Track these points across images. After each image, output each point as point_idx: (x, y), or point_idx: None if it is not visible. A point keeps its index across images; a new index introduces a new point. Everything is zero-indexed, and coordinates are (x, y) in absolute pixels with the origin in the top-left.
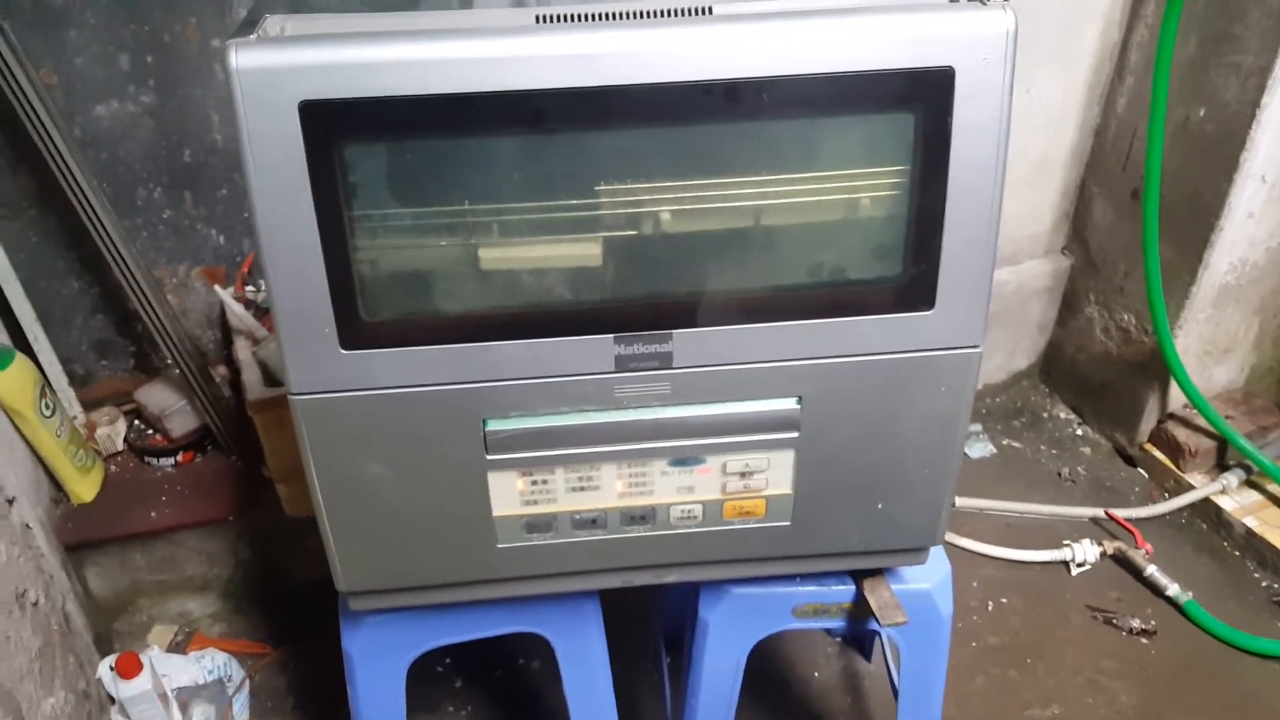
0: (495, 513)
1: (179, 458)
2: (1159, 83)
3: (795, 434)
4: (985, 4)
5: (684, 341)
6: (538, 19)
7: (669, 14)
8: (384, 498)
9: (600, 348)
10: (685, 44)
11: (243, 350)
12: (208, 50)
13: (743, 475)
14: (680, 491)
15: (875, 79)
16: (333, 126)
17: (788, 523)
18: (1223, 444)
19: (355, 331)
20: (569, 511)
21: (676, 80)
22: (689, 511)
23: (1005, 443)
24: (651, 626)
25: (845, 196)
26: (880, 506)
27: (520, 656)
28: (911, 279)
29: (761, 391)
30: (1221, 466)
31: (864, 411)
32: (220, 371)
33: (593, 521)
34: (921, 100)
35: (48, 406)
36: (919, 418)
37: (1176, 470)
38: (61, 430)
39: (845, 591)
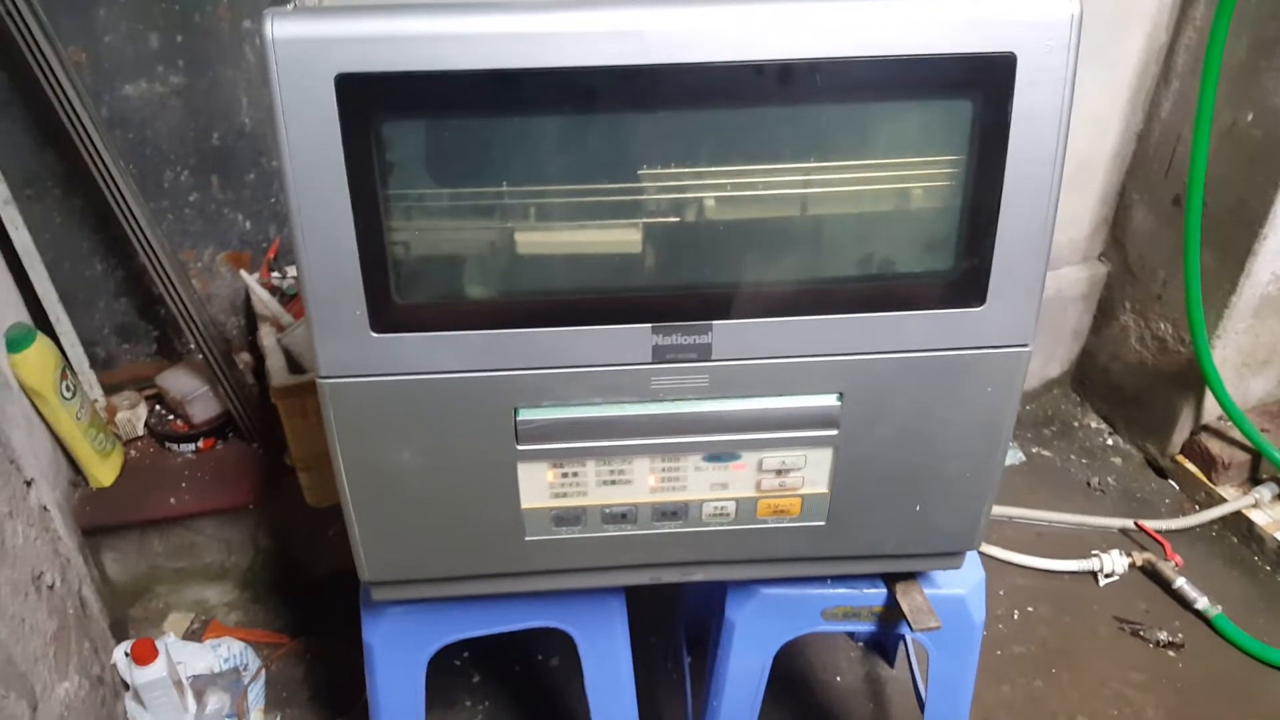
0: (524, 504)
1: (200, 444)
2: (1207, 86)
3: (834, 431)
4: None
5: (724, 333)
6: None
7: None
8: (411, 486)
9: (637, 338)
10: (738, 22)
11: (267, 336)
12: (239, 30)
13: (779, 473)
14: (714, 488)
15: (933, 63)
16: (370, 101)
17: (823, 523)
18: (1256, 457)
19: (387, 314)
20: (599, 505)
21: (727, 60)
22: (722, 508)
23: (1035, 451)
24: (674, 625)
25: (897, 186)
26: (918, 509)
27: (539, 653)
28: (963, 273)
29: (802, 387)
30: (1254, 480)
31: (906, 410)
32: (244, 358)
33: (623, 516)
34: (981, 87)
35: (68, 389)
36: (963, 418)
37: (1208, 483)
38: (82, 413)
39: (876, 595)
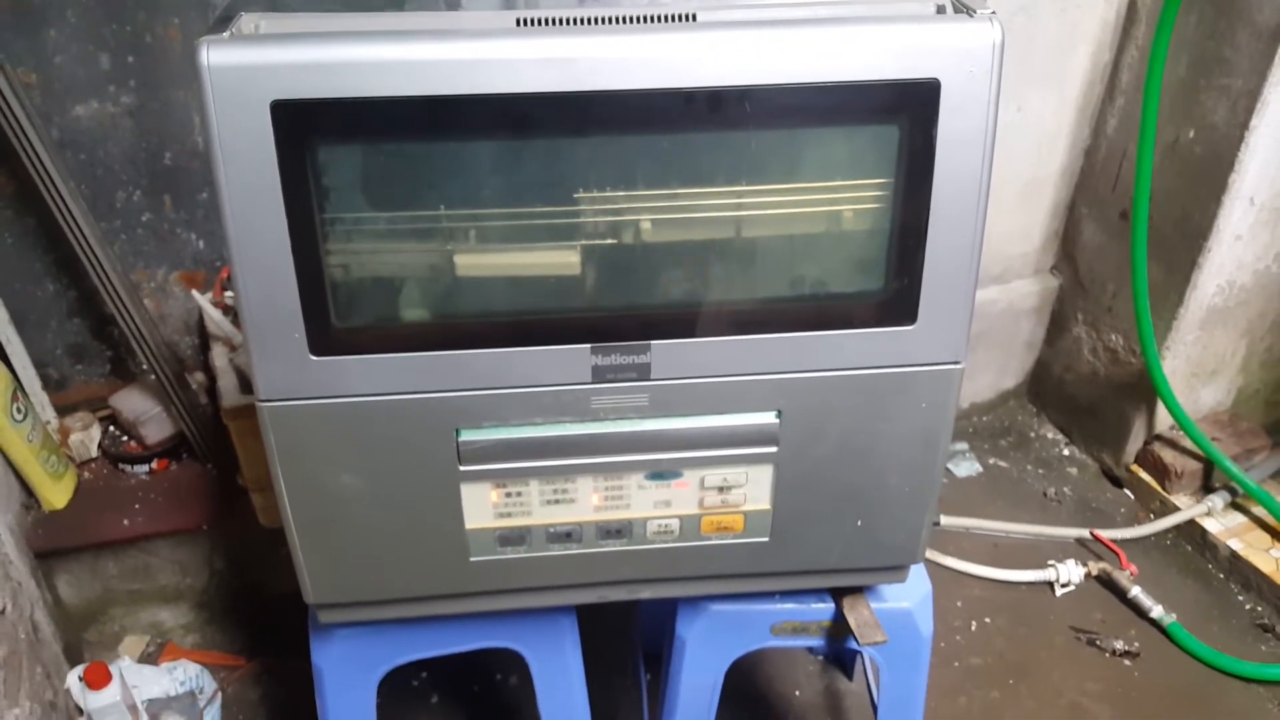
0: (468, 525)
1: (153, 465)
2: (1149, 104)
3: (774, 448)
4: (972, 15)
5: (662, 353)
6: (518, 22)
7: (652, 19)
8: (354, 509)
9: (577, 358)
10: (668, 50)
11: (219, 357)
12: (190, 51)
13: (720, 490)
14: (657, 505)
15: (859, 90)
16: (305, 127)
17: (766, 539)
18: (1209, 466)
19: (326, 337)
20: (543, 525)
21: (658, 87)
22: (666, 526)
23: (992, 462)
24: (630, 641)
25: (827, 209)
26: (860, 524)
27: (498, 672)
28: (893, 293)
29: (740, 405)
30: (1207, 489)
31: (844, 427)
32: (197, 378)
33: (568, 535)
34: (906, 112)
35: (19, 410)
36: (899, 434)
37: (1162, 492)
38: (34, 435)
39: (824, 609)
